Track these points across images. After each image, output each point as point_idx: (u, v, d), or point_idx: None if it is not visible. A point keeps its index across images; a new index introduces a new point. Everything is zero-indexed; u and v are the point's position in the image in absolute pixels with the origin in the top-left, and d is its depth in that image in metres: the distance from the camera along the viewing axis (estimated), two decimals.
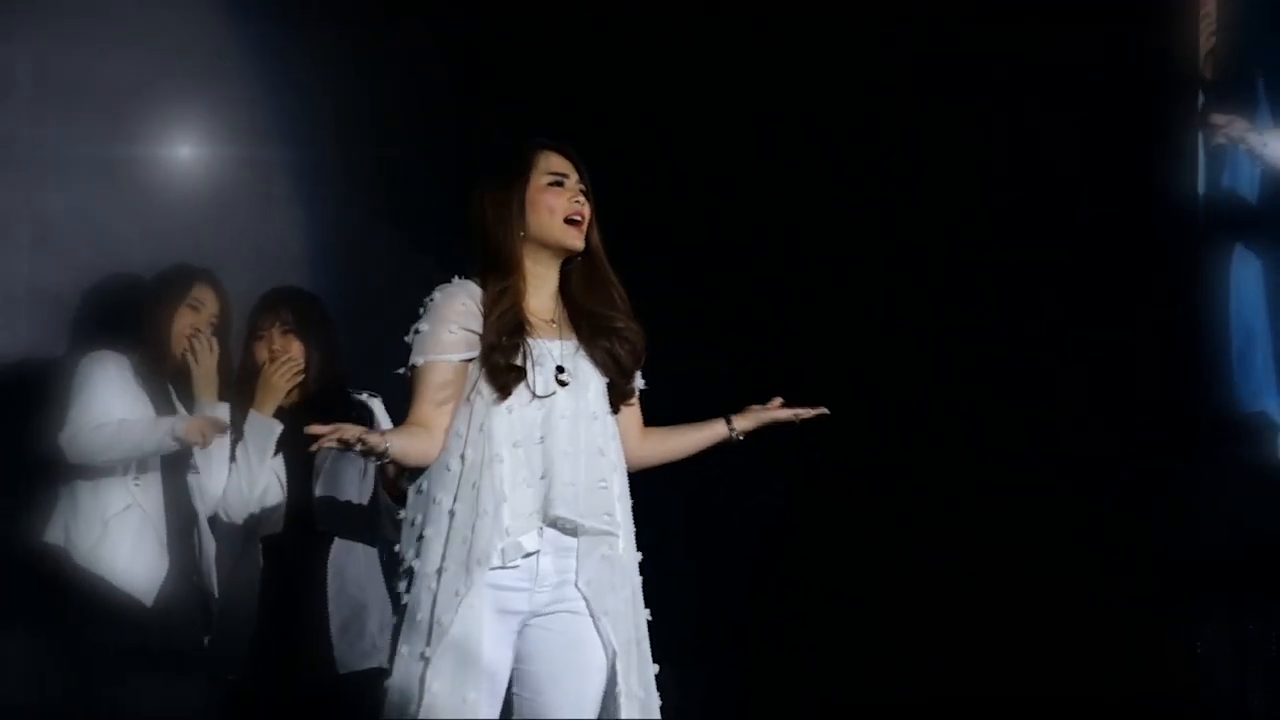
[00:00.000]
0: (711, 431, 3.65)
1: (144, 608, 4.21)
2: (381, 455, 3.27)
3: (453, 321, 3.33)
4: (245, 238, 4.88)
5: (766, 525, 5.40)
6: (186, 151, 4.91)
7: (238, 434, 4.33)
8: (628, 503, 3.44)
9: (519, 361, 3.31)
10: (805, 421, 3.71)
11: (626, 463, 3.49)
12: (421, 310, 3.38)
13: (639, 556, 3.46)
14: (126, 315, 4.42)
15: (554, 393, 3.33)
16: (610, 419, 3.43)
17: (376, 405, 4.37)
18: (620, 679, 3.32)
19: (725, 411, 3.68)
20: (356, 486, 4.43)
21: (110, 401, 4.20)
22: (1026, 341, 5.08)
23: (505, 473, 3.28)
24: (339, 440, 3.19)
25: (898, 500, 5.18)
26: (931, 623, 5.11)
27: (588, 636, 3.34)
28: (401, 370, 3.39)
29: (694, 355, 5.27)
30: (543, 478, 3.30)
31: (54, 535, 4.23)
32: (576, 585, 3.34)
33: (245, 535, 4.30)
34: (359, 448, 3.23)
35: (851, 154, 5.27)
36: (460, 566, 3.25)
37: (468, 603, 3.24)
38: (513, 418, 3.31)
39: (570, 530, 3.33)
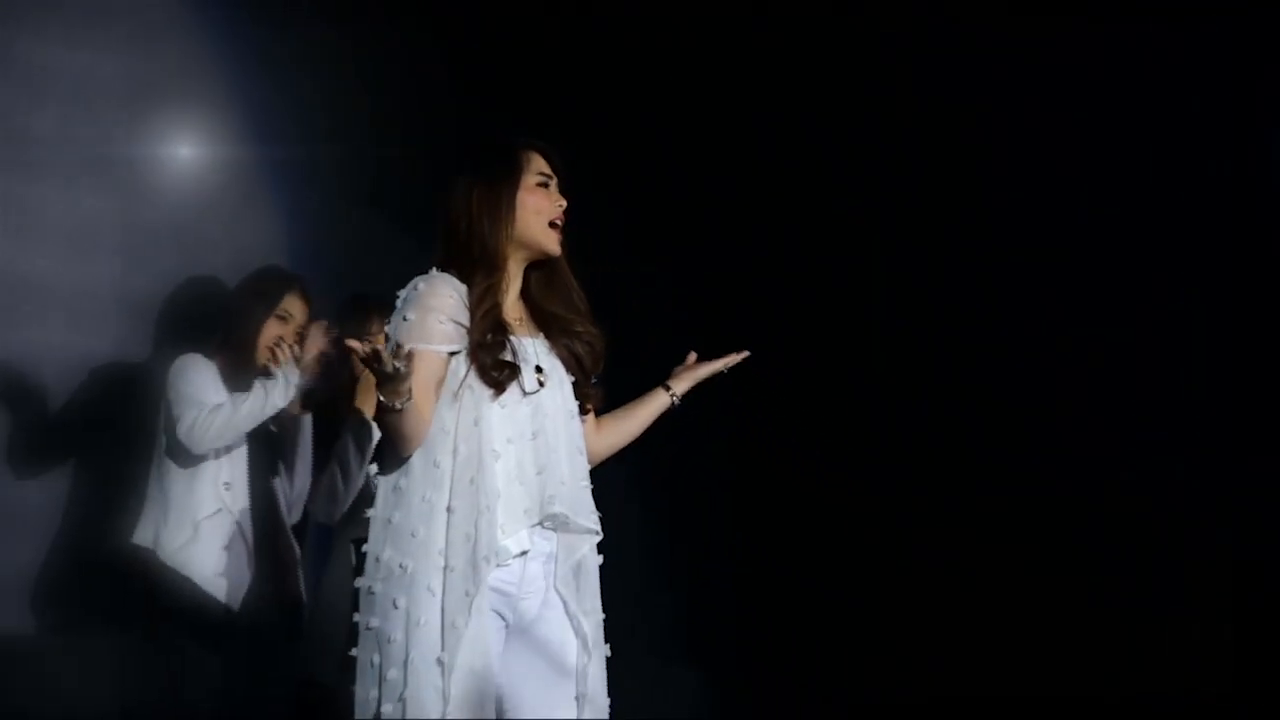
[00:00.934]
0: (655, 403, 3.62)
1: (231, 610, 4.26)
2: (397, 390, 3.14)
3: (440, 312, 3.27)
4: (247, 238, 4.87)
5: (762, 523, 5.40)
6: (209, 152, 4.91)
7: (336, 436, 4.35)
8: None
9: (509, 358, 3.29)
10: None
11: (590, 455, 3.46)
12: (400, 298, 3.32)
13: (600, 559, 3.42)
14: (213, 321, 4.46)
15: (539, 389, 3.32)
16: (579, 417, 3.42)
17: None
18: (589, 681, 3.29)
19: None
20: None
21: (212, 392, 4.25)
22: (1108, 340, 5.06)
23: (501, 469, 3.25)
24: (368, 352, 3.06)
25: (899, 499, 5.19)
26: (931, 622, 5.10)
27: (567, 640, 3.31)
28: None
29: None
30: (539, 474, 3.28)
31: (143, 537, 4.25)
32: (555, 587, 3.31)
33: (337, 537, 4.28)
34: (389, 366, 3.07)
35: (907, 153, 5.28)
36: (468, 565, 3.18)
37: (478, 604, 3.18)
38: (506, 414, 3.28)
39: (554, 529, 3.30)
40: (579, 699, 3.29)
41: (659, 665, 5.07)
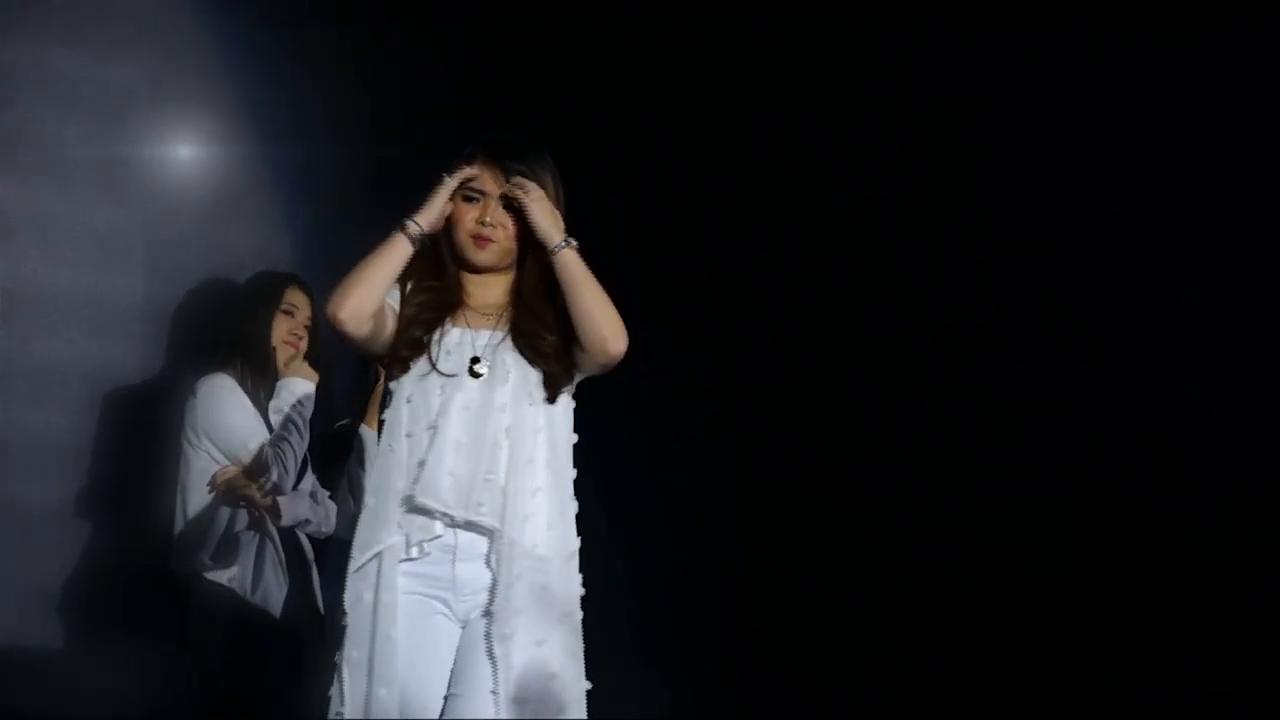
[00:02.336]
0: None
1: (273, 619, 4.31)
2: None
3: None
4: (263, 240, 4.88)
5: (754, 520, 5.40)
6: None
7: (352, 451, 4.41)
8: (539, 500, 3.32)
9: (425, 340, 3.33)
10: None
11: (597, 353, 3.34)
12: None
13: (547, 560, 3.32)
14: (223, 328, 4.47)
15: (457, 375, 3.32)
16: (528, 411, 3.33)
17: (369, 437, 4.37)
18: (499, 682, 3.24)
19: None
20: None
21: (247, 416, 4.32)
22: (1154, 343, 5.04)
23: (395, 462, 3.30)
24: None
25: (897, 497, 5.18)
26: (929, 622, 5.09)
27: (476, 660, 3.28)
28: None
29: (692, 354, 5.29)
30: (421, 464, 3.28)
31: (177, 550, 4.29)
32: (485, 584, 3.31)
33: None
34: None
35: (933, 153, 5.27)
36: (360, 551, 3.29)
37: (367, 598, 3.26)
38: (410, 407, 3.32)
39: (456, 525, 3.28)
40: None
41: (640, 668, 5.05)
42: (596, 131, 5.02)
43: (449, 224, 3.38)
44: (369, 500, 3.30)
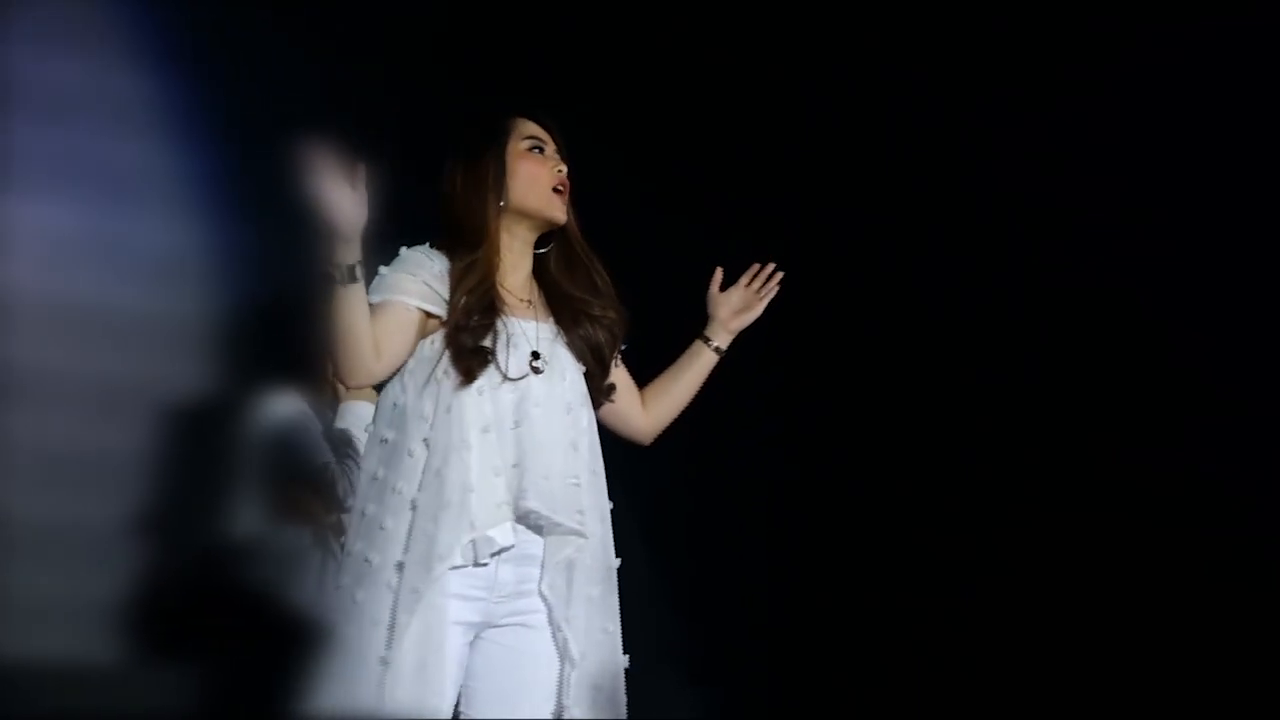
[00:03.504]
0: (700, 361, 3.41)
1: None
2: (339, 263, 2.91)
3: (419, 270, 3.07)
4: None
5: (794, 534, 5.24)
6: None
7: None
8: (605, 505, 3.18)
9: (487, 343, 3.06)
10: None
11: (641, 435, 3.35)
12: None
13: (616, 563, 3.19)
14: (285, 348, 4.38)
15: (526, 376, 3.09)
16: (586, 411, 3.17)
17: None
18: (571, 693, 3.06)
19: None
20: None
21: (317, 447, 4.24)
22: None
23: (473, 460, 3.02)
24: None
25: (943, 512, 4.99)
26: (976, 646, 4.87)
27: (540, 650, 3.09)
28: None
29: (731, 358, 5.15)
30: (515, 466, 3.04)
31: (241, 568, 4.22)
32: (540, 591, 3.08)
33: None
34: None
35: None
36: (421, 563, 2.97)
37: (428, 602, 2.96)
38: (483, 400, 3.05)
39: (538, 528, 3.07)
40: (560, 711, 3.06)
41: (678, 684, 4.94)
42: (595, 124, 4.91)
43: (513, 183, 3.14)
44: (432, 498, 2.99)
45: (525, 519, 3.06)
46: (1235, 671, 4.51)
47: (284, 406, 4.28)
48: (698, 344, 3.41)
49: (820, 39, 5.23)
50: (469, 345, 3.06)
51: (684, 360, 3.41)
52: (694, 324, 3.50)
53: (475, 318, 3.07)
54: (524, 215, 3.17)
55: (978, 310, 5.06)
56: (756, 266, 3.46)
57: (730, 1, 5.19)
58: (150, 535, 4.42)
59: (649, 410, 3.37)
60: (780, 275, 3.45)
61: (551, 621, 3.09)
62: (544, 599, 3.09)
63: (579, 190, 3.25)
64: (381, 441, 3.09)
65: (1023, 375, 4.97)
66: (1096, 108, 4.90)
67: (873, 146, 5.24)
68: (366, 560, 3.02)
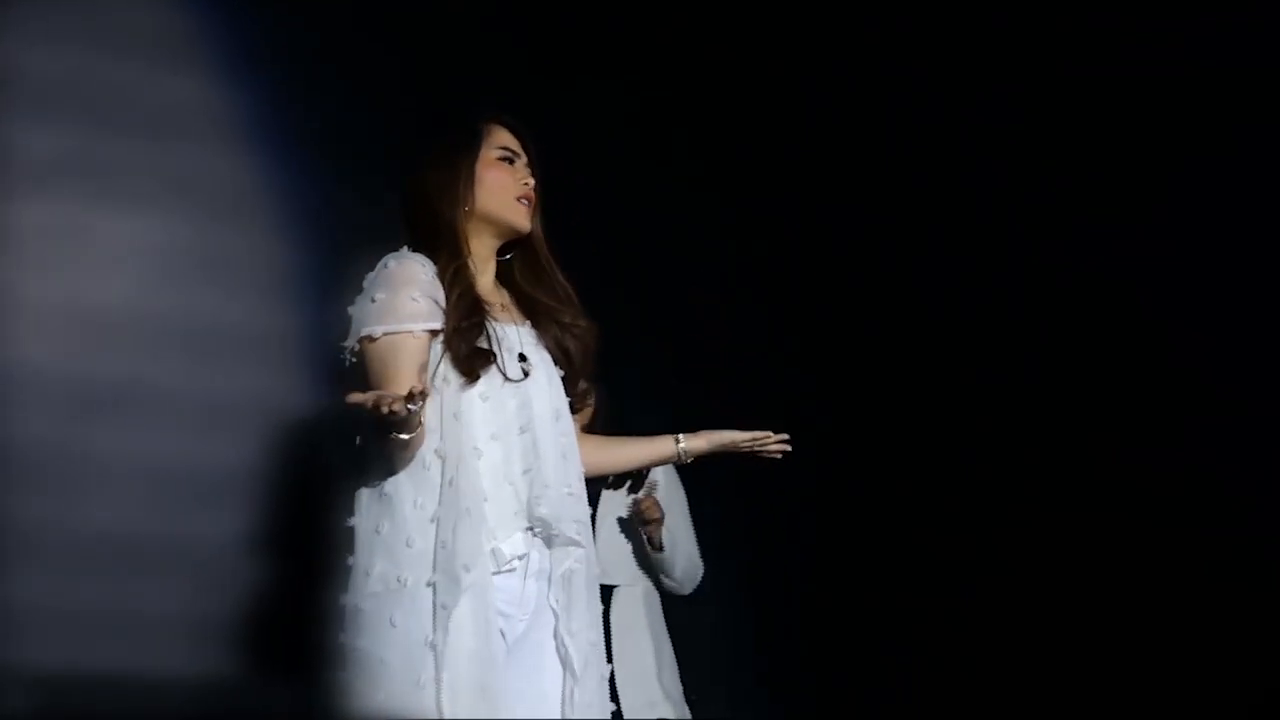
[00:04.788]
0: (656, 449, 3.33)
1: None
2: (409, 426, 2.83)
3: (414, 287, 2.98)
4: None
5: (786, 539, 5.25)
6: None
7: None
8: (588, 515, 3.16)
9: (483, 344, 3.03)
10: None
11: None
12: (367, 279, 3.05)
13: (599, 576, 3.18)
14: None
15: (523, 379, 3.05)
16: (569, 419, 3.15)
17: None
18: (575, 707, 3.02)
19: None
20: (636, 535, 4.40)
21: None
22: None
23: (485, 467, 2.96)
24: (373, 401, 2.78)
25: (1006, 530, 4.94)
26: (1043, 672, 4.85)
27: (548, 664, 3.05)
28: (345, 344, 3.01)
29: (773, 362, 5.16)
30: (525, 473, 3.00)
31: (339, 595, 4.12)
32: (549, 603, 3.05)
33: None
34: (403, 411, 2.78)
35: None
36: (448, 578, 2.90)
37: (457, 618, 2.89)
38: (488, 405, 3.00)
39: (547, 539, 3.04)
40: None
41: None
42: (596, 122, 4.87)
43: (480, 190, 3.12)
44: (449, 509, 2.92)
45: (535, 528, 3.03)
46: (1235, 671, 4.50)
47: None
48: (667, 437, 3.33)
49: (820, 39, 5.23)
50: (468, 347, 3.01)
51: (646, 441, 3.35)
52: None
53: (465, 320, 3.03)
54: (489, 222, 3.15)
55: (977, 310, 5.07)
56: (770, 434, 3.35)
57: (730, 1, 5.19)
58: (259, 552, 4.38)
59: (584, 450, 3.23)
60: (787, 449, 3.36)
61: (556, 634, 3.06)
62: (553, 611, 3.06)
63: (562, 194, 3.27)
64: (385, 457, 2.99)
65: (1023, 376, 4.98)
66: (1096, 108, 4.90)
67: (872, 146, 5.25)
68: (399, 580, 2.93)
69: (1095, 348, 4.92)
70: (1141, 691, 4.65)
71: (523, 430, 3.03)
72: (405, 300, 2.98)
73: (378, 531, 2.98)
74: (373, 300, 3.00)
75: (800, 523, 5.29)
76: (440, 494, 2.94)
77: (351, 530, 3.03)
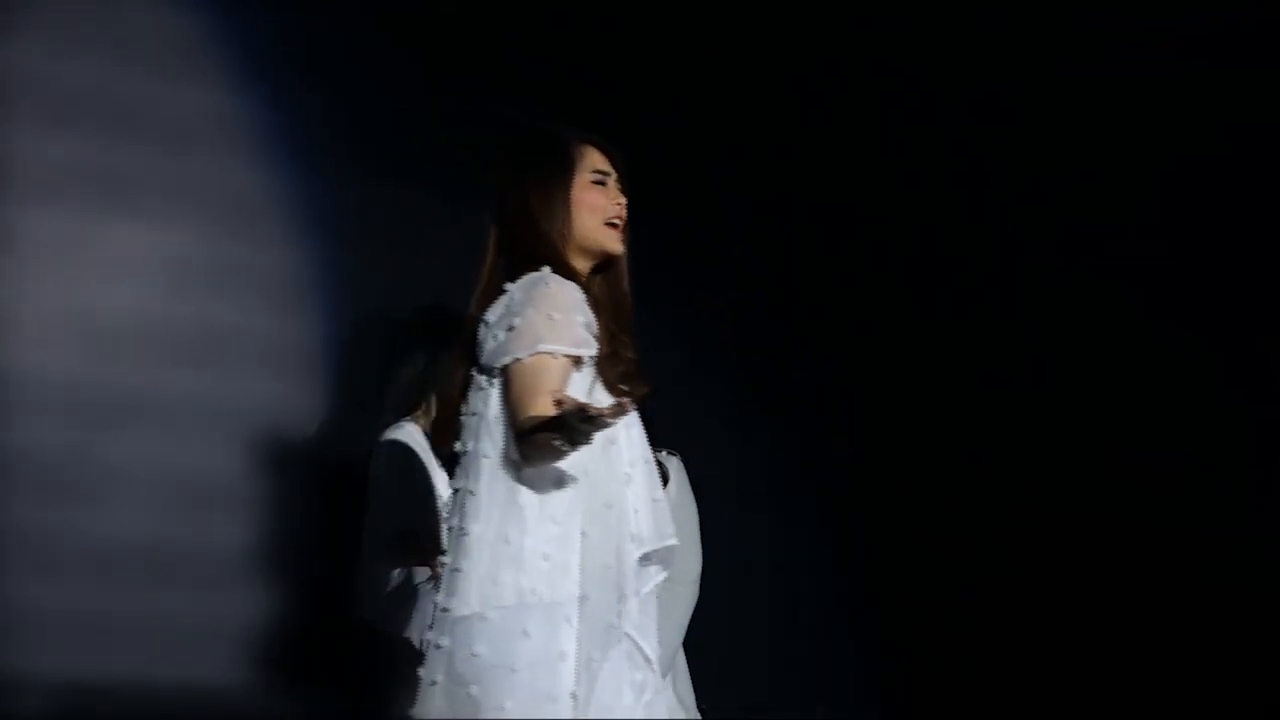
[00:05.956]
0: None
1: None
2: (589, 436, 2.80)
3: (580, 313, 2.95)
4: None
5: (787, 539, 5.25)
6: None
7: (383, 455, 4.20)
8: None
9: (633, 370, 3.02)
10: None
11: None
12: (519, 293, 2.99)
13: None
14: (414, 380, 4.22)
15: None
16: None
17: (674, 465, 4.17)
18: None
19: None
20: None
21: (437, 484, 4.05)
22: None
23: (631, 495, 2.94)
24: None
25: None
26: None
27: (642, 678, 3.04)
28: (514, 358, 2.92)
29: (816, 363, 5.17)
30: (655, 500, 2.98)
31: (363, 602, 4.13)
32: (627, 631, 3.00)
33: None
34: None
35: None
36: (609, 596, 2.89)
37: (619, 639, 2.91)
38: (631, 431, 2.98)
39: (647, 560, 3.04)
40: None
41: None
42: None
43: (578, 213, 3.06)
44: (604, 530, 2.90)
45: (656, 554, 3.02)
46: (1235, 671, 4.54)
47: (408, 442, 4.12)
48: None
49: (818, 39, 5.23)
50: (620, 372, 3.00)
51: None
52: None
53: (614, 347, 3.01)
54: (584, 247, 3.11)
55: (977, 310, 5.12)
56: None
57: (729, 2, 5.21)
58: (273, 559, 4.39)
59: None
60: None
61: (638, 646, 3.03)
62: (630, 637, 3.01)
63: None
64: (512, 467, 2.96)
65: (1024, 376, 5.02)
66: (1089, 108, 4.94)
67: (872, 146, 5.27)
68: (533, 592, 2.87)
69: (1092, 347, 4.96)
70: (1141, 691, 4.70)
71: (648, 459, 3.03)
72: (577, 324, 2.96)
73: (507, 541, 2.92)
74: (550, 317, 2.94)
75: (800, 523, 5.31)
76: (586, 514, 2.92)
77: (463, 536, 2.95)
